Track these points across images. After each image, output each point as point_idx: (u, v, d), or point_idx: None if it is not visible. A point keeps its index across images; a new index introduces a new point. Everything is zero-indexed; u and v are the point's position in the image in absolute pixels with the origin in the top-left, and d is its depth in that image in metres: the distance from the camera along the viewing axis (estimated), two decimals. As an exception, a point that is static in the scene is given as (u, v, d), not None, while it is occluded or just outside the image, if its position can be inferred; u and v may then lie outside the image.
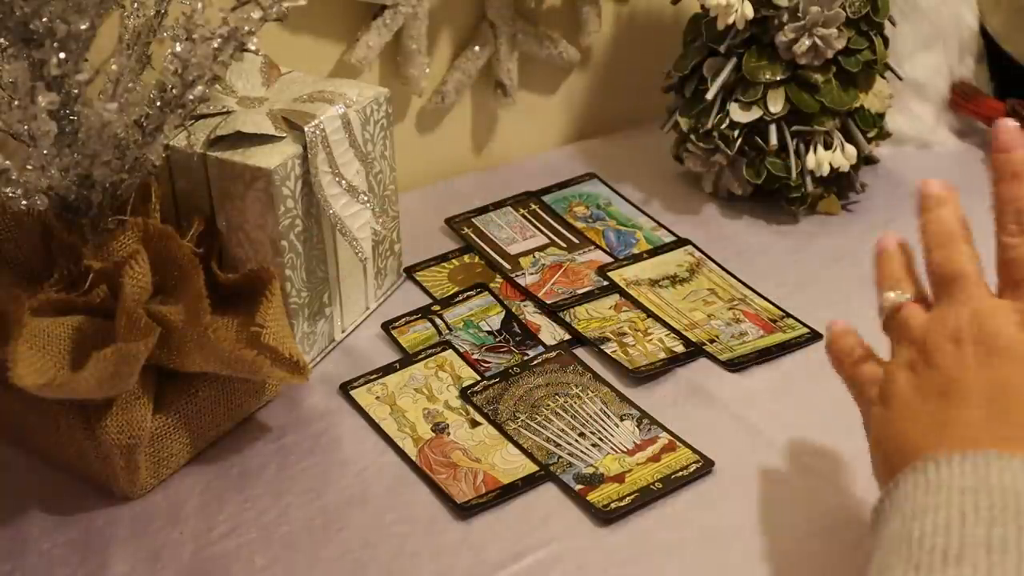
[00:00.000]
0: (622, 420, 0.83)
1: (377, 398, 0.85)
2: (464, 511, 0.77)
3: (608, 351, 0.89)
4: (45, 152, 0.69)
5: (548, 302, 0.93)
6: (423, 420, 0.83)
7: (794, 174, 1.02)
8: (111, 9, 0.73)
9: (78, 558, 0.74)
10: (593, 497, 0.77)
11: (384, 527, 0.76)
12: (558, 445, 0.81)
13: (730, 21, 0.99)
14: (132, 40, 0.76)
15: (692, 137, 1.03)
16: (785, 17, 0.99)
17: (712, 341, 0.90)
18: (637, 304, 0.94)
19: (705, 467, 0.79)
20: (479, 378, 0.86)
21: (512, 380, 0.86)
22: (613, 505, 0.76)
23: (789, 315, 0.93)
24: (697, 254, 0.99)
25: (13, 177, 0.69)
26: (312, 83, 0.87)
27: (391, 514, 0.76)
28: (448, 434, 0.82)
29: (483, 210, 1.05)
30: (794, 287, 0.96)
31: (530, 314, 0.93)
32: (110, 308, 0.76)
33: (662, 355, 0.88)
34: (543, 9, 1.10)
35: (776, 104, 1.00)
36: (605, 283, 0.96)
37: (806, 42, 0.98)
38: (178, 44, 0.73)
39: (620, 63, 1.17)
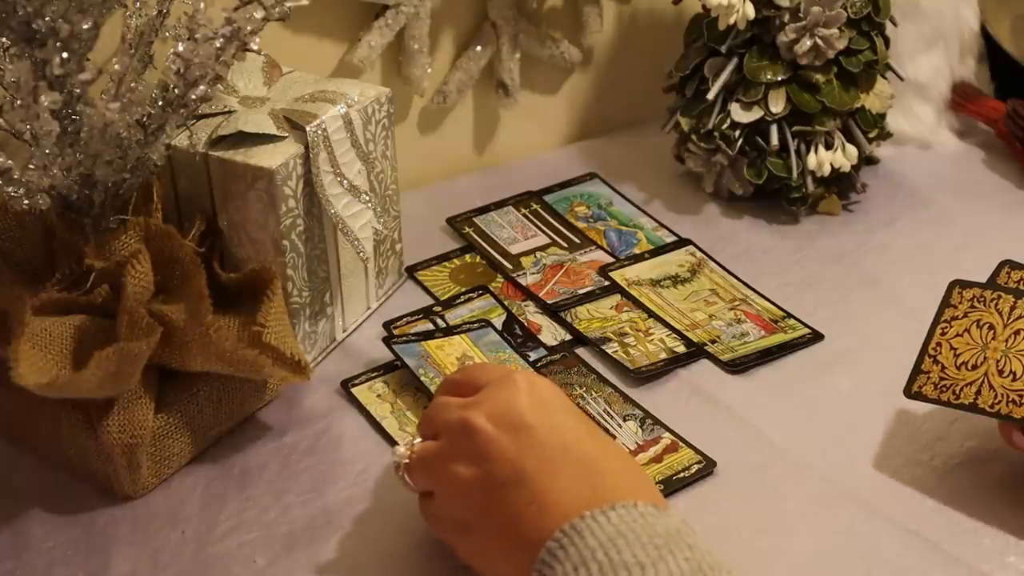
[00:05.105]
0: (625, 420, 0.83)
1: (378, 396, 0.85)
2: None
3: (609, 351, 0.89)
4: (47, 151, 0.69)
5: (549, 302, 0.93)
6: (424, 420, 0.83)
7: (795, 174, 1.02)
8: (113, 9, 0.73)
9: (80, 557, 0.74)
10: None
11: (385, 526, 0.76)
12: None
13: (731, 21, 0.99)
14: (134, 40, 0.76)
15: (693, 137, 1.04)
16: (786, 17, 0.99)
17: (713, 341, 0.90)
18: (638, 304, 0.94)
19: (707, 468, 0.79)
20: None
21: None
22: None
23: (790, 315, 0.93)
24: (698, 254, 0.99)
25: (15, 176, 0.69)
26: (314, 83, 0.87)
27: (392, 513, 0.76)
28: (449, 434, 0.82)
29: (484, 210, 1.05)
30: (795, 287, 0.96)
31: (531, 314, 0.93)
32: (112, 307, 0.76)
33: (663, 355, 0.88)
34: (545, 9, 1.10)
35: (777, 104, 1.00)
36: (606, 283, 0.96)
37: (807, 42, 0.98)
38: (180, 44, 0.73)
39: (621, 63, 1.17)
